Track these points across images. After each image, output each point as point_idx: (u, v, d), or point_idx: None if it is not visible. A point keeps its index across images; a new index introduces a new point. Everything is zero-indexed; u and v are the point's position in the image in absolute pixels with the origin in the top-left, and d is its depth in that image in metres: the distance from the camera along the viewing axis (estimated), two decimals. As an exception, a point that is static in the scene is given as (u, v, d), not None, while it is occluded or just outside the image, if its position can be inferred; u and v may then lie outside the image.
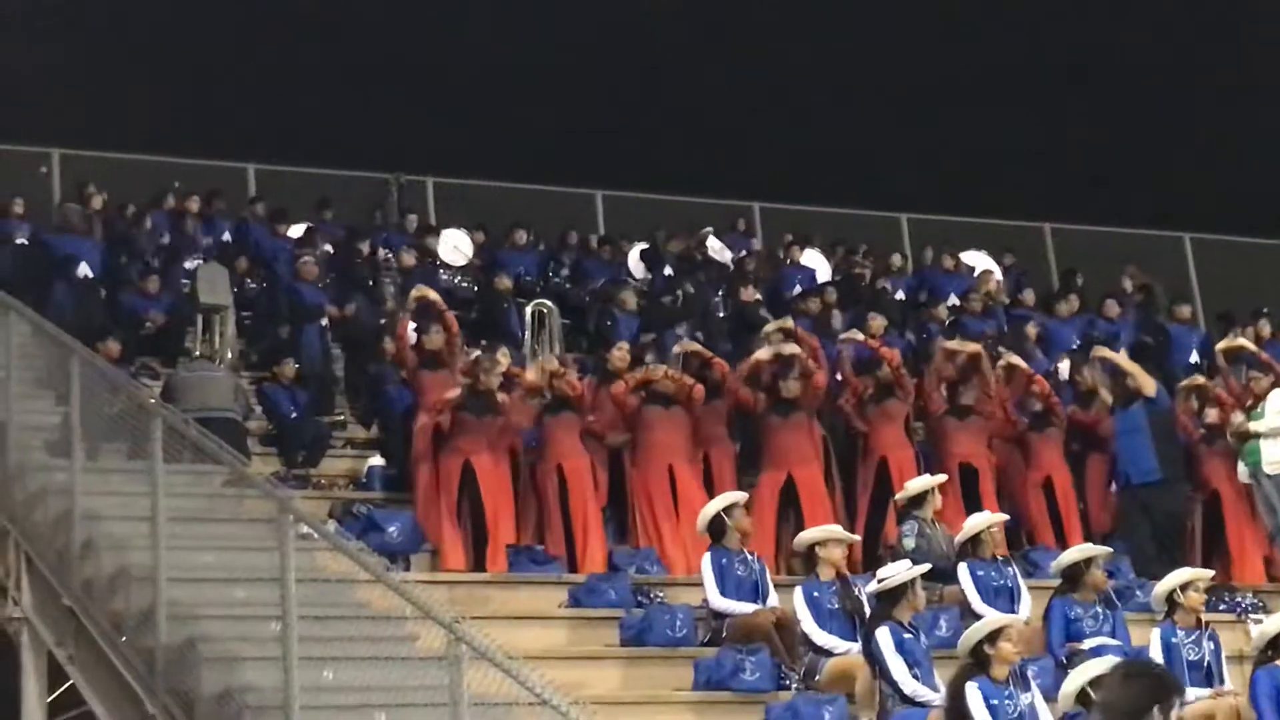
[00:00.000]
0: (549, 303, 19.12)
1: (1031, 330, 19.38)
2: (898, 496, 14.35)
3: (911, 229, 25.94)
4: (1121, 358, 16.55)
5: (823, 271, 22.43)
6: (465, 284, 20.79)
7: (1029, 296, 21.93)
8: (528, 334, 18.72)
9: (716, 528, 12.94)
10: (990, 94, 29.34)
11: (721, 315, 20.52)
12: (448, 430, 14.36)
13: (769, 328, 16.25)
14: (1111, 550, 13.88)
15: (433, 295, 15.87)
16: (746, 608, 12.55)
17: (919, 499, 14.02)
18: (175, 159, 23.08)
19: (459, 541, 14.12)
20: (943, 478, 14.51)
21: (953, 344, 16.58)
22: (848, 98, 29.35)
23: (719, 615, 12.65)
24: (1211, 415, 16.13)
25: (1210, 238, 26.81)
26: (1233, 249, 26.63)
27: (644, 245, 22.69)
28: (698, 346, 15.86)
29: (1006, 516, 14.28)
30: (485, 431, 14.37)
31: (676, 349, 15.86)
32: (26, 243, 19.64)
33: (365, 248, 20.78)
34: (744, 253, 22.76)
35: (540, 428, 14.76)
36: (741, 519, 12.99)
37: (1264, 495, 15.75)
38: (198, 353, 17.62)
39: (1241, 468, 15.96)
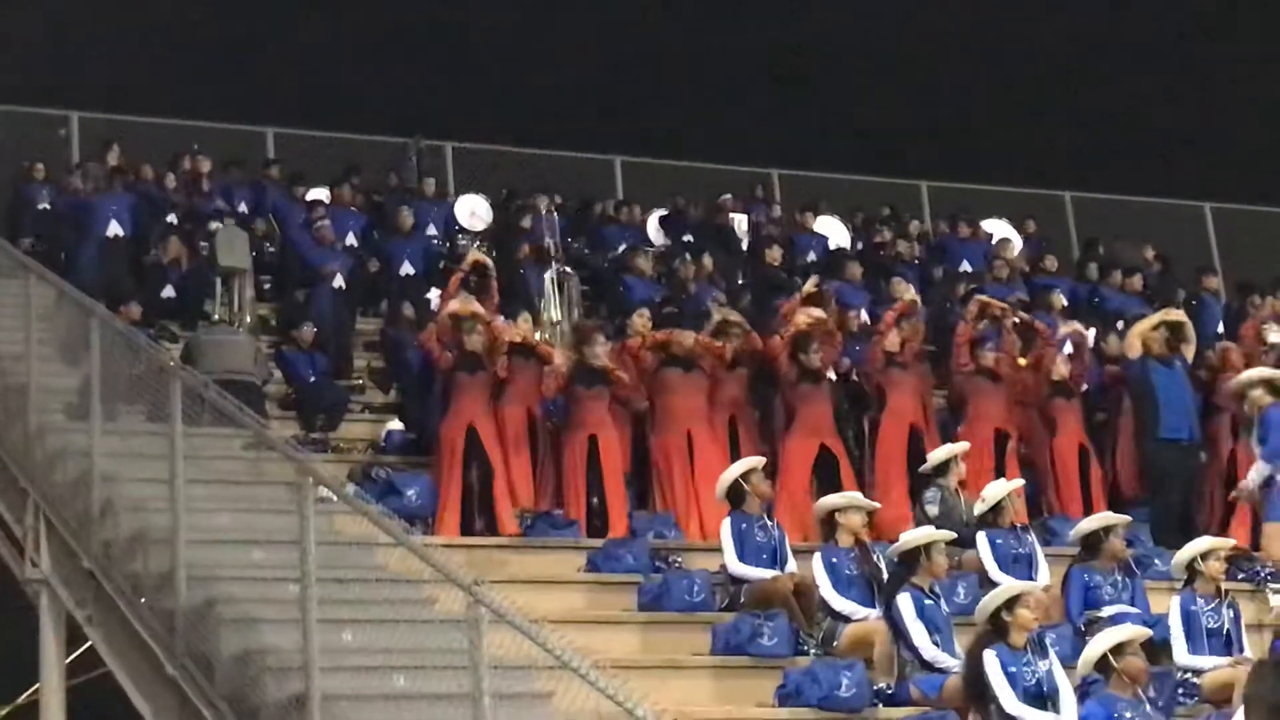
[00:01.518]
0: (568, 268, 19.11)
1: (1058, 299, 19.30)
2: (922, 467, 14.35)
3: (931, 196, 25.87)
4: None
5: (838, 237, 22.37)
6: (482, 249, 20.72)
7: (1051, 264, 21.85)
8: (552, 300, 18.71)
9: (735, 493, 12.93)
10: (1011, 60, 29.22)
11: (741, 282, 20.46)
12: (447, 395, 14.39)
13: (809, 286, 16.13)
14: (1130, 519, 13.85)
15: (488, 261, 15.91)
16: (765, 573, 12.55)
17: (942, 467, 14.02)
18: (194, 122, 23.06)
19: (456, 510, 14.09)
20: (965, 445, 14.49)
21: (989, 301, 16.47)
22: (868, 64, 29.24)
23: (737, 581, 12.65)
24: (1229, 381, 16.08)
25: (1231, 207, 26.72)
26: (1254, 218, 26.55)
27: (663, 211, 22.64)
28: (737, 316, 15.74)
29: (1023, 482, 14.27)
30: (482, 391, 14.36)
31: (716, 315, 15.76)
32: (50, 206, 19.62)
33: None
34: (762, 218, 22.69)
35: (573, 398, 14.71)
36: (760, 484, 12.97)
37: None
38: (216, 317, 17.62)
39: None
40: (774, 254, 20.14)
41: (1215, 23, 29.35)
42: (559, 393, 14.73)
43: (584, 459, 14.42)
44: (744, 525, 12.72)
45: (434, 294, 17.60)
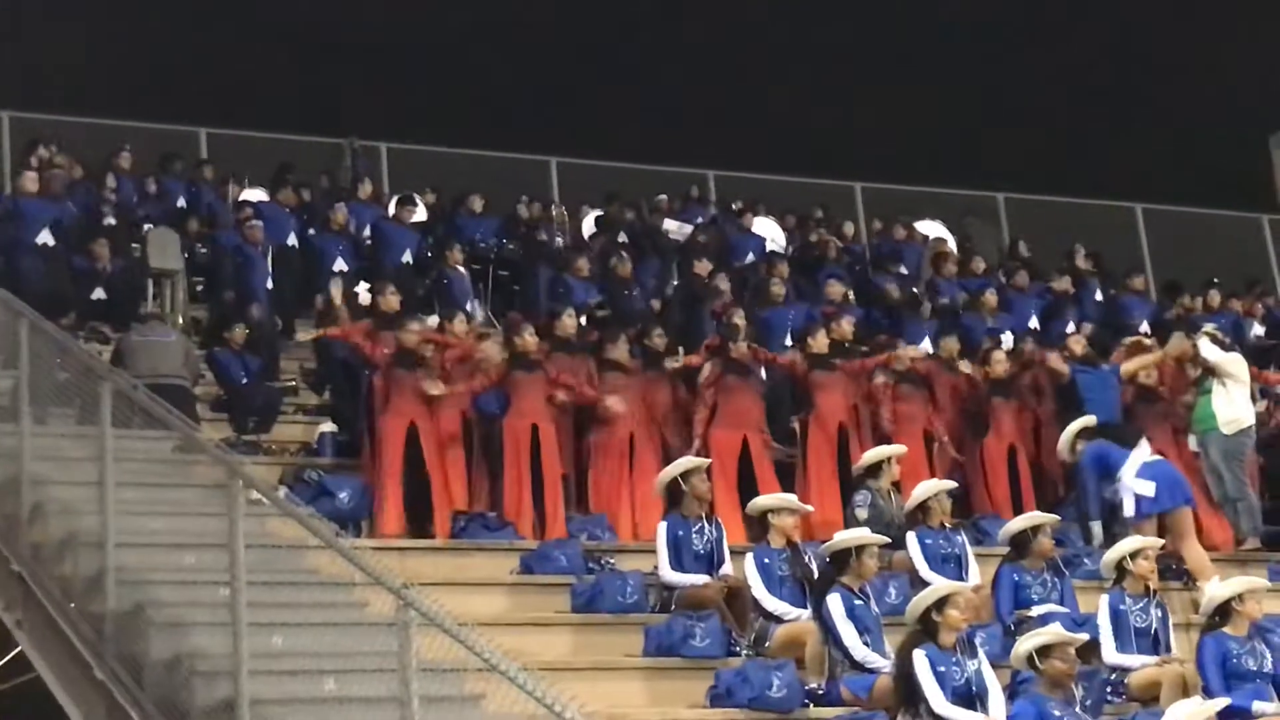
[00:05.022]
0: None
1: (990, 298, 19.41)
2: (854, 468, 14.39)
3: (866, 198, 25.98)
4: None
5: (775, 238, 22.41)
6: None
7: (979, 265, 21.95)
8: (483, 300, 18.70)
9: (673, 493, 12.91)
10: (945, 63, 29.40)
11: (675, 284, 20.46)
12: (386, 391, 14.34)
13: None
14: (1059, 518, 13.94)
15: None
16: (697, 579, 12.53)
17: (875, 468, 14.05)
18: (126, 122, 22.94)
19: (398, 505, 14.02)
20: (901, 449, 14.49)
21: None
22: (804, 66, 29.37)
23: (669, 587, 12.67)
24: (1152, 376, 16.22)
25: (1162, 208, 26.96)
26: (1184, 219, 26.79)
27: (598, 212, 22.63)
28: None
29: (954, 484, 14.31)
30: (419, 389, 14.31)
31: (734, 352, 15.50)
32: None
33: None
34: (699, 221, 22.66)
35: (512, 384, 14.54)
36: (699, 485, 12.91)
37: (1211, 464, 15.80)
38: (151, 307, 17.48)
39: (1192, 438, 16.05)
40: (703, 266, 19.94)
41: (1146, 27, 29.58)
42: (500, 380, 14.63)
43: (527, 449, 14.30)
44: (680, 532, 12.67)
45: (363, 287, 17.48)
